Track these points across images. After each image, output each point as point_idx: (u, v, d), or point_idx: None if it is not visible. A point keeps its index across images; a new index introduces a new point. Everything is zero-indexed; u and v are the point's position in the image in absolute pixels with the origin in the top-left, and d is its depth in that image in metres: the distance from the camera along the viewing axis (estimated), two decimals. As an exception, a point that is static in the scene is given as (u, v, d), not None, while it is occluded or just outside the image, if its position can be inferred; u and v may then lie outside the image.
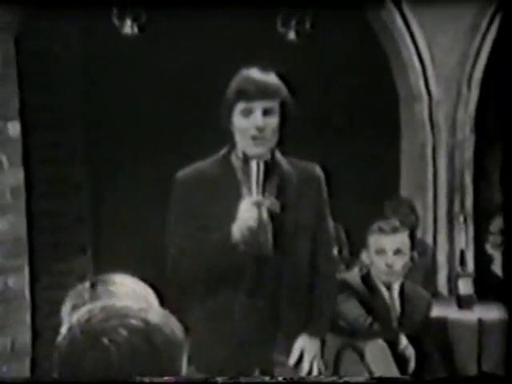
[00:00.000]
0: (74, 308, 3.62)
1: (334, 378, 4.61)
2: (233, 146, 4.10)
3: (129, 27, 7.25)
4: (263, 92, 3.96)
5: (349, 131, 9.14)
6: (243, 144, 4.03)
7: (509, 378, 4.17)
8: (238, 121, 3.98)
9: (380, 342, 5.48)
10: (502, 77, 7.58)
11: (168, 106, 9.29)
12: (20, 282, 6.78)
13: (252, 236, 3.99)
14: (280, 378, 3.90)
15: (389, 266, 5.62)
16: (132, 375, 2.46)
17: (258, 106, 3.94)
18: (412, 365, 5.17)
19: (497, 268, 6.81)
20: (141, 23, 7.24)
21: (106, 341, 2.43)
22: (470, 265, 7.20)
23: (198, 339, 4.10)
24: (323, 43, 8.62)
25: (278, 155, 4.16)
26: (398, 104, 7.72)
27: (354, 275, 5.94)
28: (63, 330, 3.06)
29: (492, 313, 6.26)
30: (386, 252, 5.72)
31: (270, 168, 4.05)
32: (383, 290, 5.73)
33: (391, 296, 5.70)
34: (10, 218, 6.84)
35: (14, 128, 6.79)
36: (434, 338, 5.70)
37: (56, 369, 2.60)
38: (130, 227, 9.56)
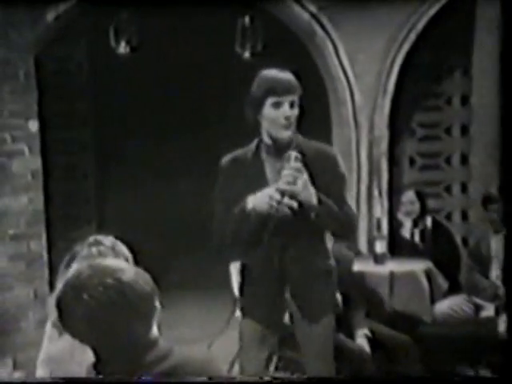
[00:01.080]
0: (68, 265, 3.62)
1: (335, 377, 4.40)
2: (260, 135, 4.07)
3: (123, 48, 7.11)
4: (289, 88, 3.94)
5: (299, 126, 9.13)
6: (273, 131, 3.99)
7: (509, 378, 3.87)
8: (269, 112, 3.94)
9: None
10: (410, 88, 7.64)
11: (159, 102, 9.37)
12: (39, 245, 6.74)
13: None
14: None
15: None
16: (110, 325, 2.43)
17: (286, 100, 3.91)
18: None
19: (405, 232, 6.87)
20: (132, 45, 7.09)
21: (86, 296, 2.40)
22: (385, 229, 7.20)
23: None
24: (273, 61, 8.54)
25: (300, 138, 4.10)
26: (329, 109, 7.66)
27: None
28: (59, 284, 3.07)
29: (400, 266, 6.22)
30: None
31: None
32: None
33: None
34: (30, 194, 6.78)
35: (33, 125, 6.73)
36: (355, 287, 5.64)
37: (55, 318, 2.60)
38: (129, 204, 9.57)
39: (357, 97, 7.40)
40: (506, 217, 5.56)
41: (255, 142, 4.16)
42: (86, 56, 7.93)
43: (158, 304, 2.52)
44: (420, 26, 7.17)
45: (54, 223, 7.17)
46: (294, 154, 3.91)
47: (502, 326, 5.25)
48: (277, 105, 3.93)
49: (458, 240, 7.31)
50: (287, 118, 3.93)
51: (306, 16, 7.14)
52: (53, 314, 3.44)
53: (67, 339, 3.35)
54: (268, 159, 4.08)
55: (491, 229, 6.15)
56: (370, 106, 7.45)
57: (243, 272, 4.39)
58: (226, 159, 4.17)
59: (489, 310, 5.78)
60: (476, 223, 7.39)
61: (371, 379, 5.00)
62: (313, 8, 7.13)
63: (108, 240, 3.62)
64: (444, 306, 6.04)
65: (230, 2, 6.92)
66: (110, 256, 3.46)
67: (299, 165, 3.87)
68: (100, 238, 3.63)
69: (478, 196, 6.71)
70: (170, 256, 9.10)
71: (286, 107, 3.93)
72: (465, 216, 7.79)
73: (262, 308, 4.24)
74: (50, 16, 6.55)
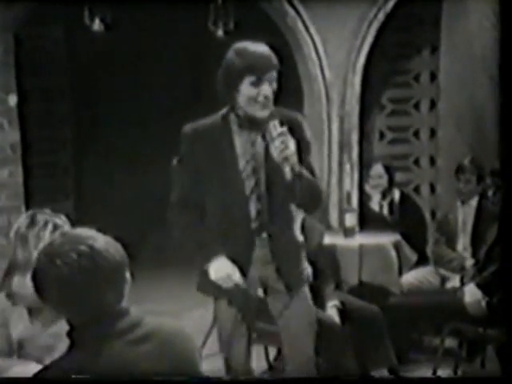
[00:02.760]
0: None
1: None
2: (232, 108, 3.85)
3: (97, 25, 7.08)
4: (269, 66, 3.74)
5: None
6: (250, 109, 3.77)
7: (509, 377, 3.82)
8: (248, 90, 3.72)
9: None
10: (380, 65, 7.68)
11: (134, 78, 9.37)
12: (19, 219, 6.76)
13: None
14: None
15: None
16: (82, 292, 2.43)
17: (266, 78, 3.71)
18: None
19: (374, 205, 6.93)
20: (107, 22, 7.09)
21: (59, 262, 2.40)
22: (354, 203, 7.26)
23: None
24: (245, 39, 8.58)
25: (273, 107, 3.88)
26: (301, 85, 7.68)
27: None
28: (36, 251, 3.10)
29: (370, 239, 6.28)
30: None
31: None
32: None
33: None
34: (10, 167, 6.81)
35: (12, 99, 6.75)
36: (325, 260, 5.62)
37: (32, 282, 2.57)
38: (105, 178, 9.61)
39: (328, 74, 7.42)
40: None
41: (221, 112, 3.96)
42: (62, 33, 8.01)
43: (128, 275, 2.53)
44: (389, 6, 7.24)
45: (33, 196, 7.12)
46: (274, 122, 3.71)
47: (467, 295, 5.31)
48: (256, 83, 3.73)
49: (427, 213, 7.39)
50: (266, 97, 3.73)
51: None
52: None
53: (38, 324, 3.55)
54: (239, 132, 3.89)
55: (459, 200, 6.21)
56: (341, 82, 7.47)
57: None
58: (188, 127, 3.95)
59: (454, 281, 5.83)
60: (443, 196, 7.45)
61: (371, 379, 5.12)
62: None
63: (43, 212, 3.71)
64: (411, 277, 6.11)
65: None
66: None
67: (284, 129, 3.69)
68: (32, 213, 3.71)
69: (446, 169, 6.81)
70: (144, 233, 9.15)
71: (265, 86, 3.73)
72: (433, 189, 7.90)
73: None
74: None
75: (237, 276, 3.79)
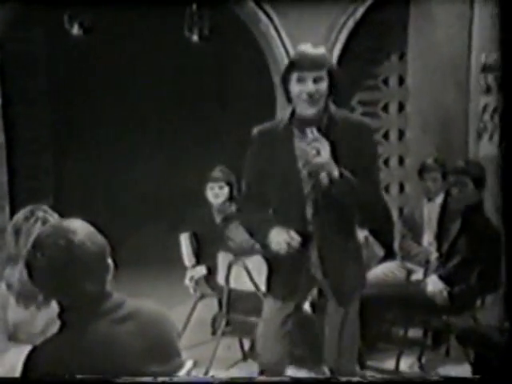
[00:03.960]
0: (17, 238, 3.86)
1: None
2: (294, 111, 3.95)
3: (76, 30, 7.21)
4: (313, 63, 3.78)
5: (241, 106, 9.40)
6: (298, 107, 3.88)
7: (509, 377, 3.77)
8: (294, 86, 3.81)
9: (259, 257, 5.39)
10: (350, 70, 7.75)
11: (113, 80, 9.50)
12: (3, 218, 6.75)
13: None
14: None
15: None
16: (64, 281, 2.61)
17: (309, 76, 3.77)
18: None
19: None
20: (85, 27, 7.23)
21: (40, 254, 2.59)
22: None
23: None
24: (220, 44, 8.45)
25: (333, 108, 3.94)
26: (274, 89, 7.59)
27: None
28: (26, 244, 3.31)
29: None
30: None
31: (323, 128, 3.84)
32: None
33: None
34: None
35: None
36: None
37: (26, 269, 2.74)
38: (84, 179, 9.75)
39: None
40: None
41: (288, 114, 4.02)
42: (43, 38, 8.12)
43: (110, 261, 2.70)
44: (358, 13, 7.35)
45: (16, 196, 7.10)
46: (312, 128, 3.78)
47: (429, 286, 5.44)
48: (300, 80, 3.80)
49: (395, 210, 7.56)
50: (310, 95, 3.79)
51: (250, 4, 7.26)
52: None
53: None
54: (298, 134, 3.92)
55: (425, 198, 6.34)
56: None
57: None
58: (256, 130, 4.05)
59: (419, 274, 5.96)
60: (411, 194, 7.66)
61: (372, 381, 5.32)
62: None
63: (41, 209, 3.93)
64: (378, 271, 6.22)
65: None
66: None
67: (317, 134, 3.76)
68: (31, 209, 3.92)
69: (414, 168, 6.89)
70: (123, 233, 9.26)
71: (309, 82, 3.78)
72: (402, 188, 8.10)
73: (286, 287, 4.13)
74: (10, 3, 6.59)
75: (296, 238, 3.85)
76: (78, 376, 2.50)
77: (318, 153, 3.73)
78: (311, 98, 3.78)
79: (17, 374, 2.74)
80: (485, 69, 7.04)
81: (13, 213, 6.60)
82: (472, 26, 7.10)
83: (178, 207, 6.89)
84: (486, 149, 7.08)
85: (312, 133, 3.76)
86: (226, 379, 2.90)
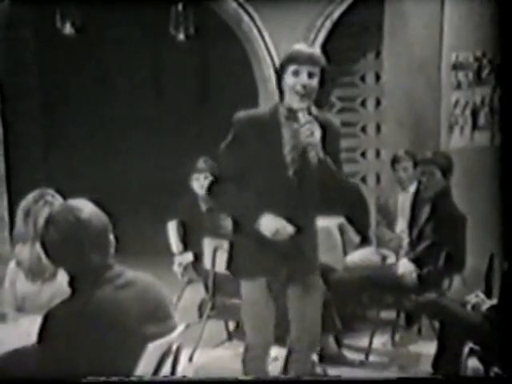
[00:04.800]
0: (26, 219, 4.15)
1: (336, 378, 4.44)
2: (281, 101, 4.07)
3: (68, 29, 7.35)
4: (309, 59, 3.95)
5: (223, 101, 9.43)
6: (291, 100, 3.98)
7: (509, 377, 3.80)
8: (289, 79, 3.95)
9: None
10: (328, 68, 8.24)
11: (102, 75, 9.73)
12: (1, 208, 7.01)
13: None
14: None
15: None
16: (72, 252, 2.93)
17: (304, 69, 3.92)
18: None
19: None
20: (77, 26, 7.37)
21: (51, 230, 2.95)
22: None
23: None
24: (205, 43, 8.79)
25: (313, 108, 4.06)
26: (256, 84, 8.08)
27: None
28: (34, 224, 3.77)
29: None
30: None
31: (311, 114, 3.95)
32: None
33: None
34: None
35: None
36: None
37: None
38: (71, 170, 9.89)
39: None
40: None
41: (272, 105, 4.17)
42: (35, 37, 8.34)
43: (111, 237, 3.05)
44: (335, 15, 7.71)
45: (13, 184, 7.29)
46: (304, 111, 3.92)
47: (400, 268, 5.70)
48: (296, 73, 3.93)
49: (372, 200, 7.75)
50: (304, 86, 3.92)
51: (233, 5, 7.56)
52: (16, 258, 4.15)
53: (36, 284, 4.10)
54: (286, 124, 4.04)
55: (399, 187, 6.59)
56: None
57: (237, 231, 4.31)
58: (239, 115, 4.12)
59: (392, 259, 6.20)
60: (387, 184, 7.86)
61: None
62: None
63: (49, 193, 4.22)
64: (354, 256, 6.50)
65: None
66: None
67: (309, 117, 3.91)
68: (39, 192, 4.22)
69: (389, 160, 7.00)
70: (114, 218, 9.40)
71: (304, 75, 3.92)
72: (378, 179, 8.45)
73: (253, 267, 4.23)
74: (5, 2, 6.91)
75: (288, 228, 4.01)
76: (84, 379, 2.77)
77: (312, 134, 3.88)
78: (304, 90, 3.93)
79: (32, 339, 3.05)
80: (455, 66, 7.21)
81: (11, 199, 7.01)
82: (443, 27, 7.27)
83: (166, 197, 7.05)
84: (457, 141, 7.24)
85: (304, 116, 3.90)
86: (226, 379, 3.21)
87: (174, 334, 3.10)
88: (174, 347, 3.13)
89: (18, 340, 3.44)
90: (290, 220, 4.06)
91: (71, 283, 3.01)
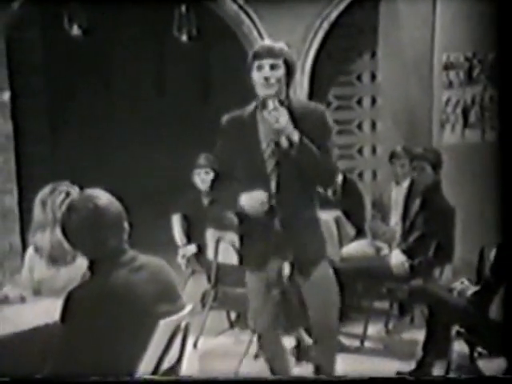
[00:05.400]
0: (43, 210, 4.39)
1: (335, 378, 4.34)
2: (257, 97, 4.18)
3: (75, 30, 7.57)
4: (269, 52, 4.09)
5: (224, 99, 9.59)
6: (258, 91, 4.12)
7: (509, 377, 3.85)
8: (254, 74, 4.09)
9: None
10: (326, 67, 8.29)
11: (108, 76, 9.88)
12: (12, 201, 7.17)
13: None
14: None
15: None
16: (91, 237, 3.16)
17: (266, 63, 4.05)
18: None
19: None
20: (84, 28, 7.57)
21: (72, 216, 3.20)
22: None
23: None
24: (206, 43, 8.97)
25: (291, 95, 4.22)
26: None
27: None
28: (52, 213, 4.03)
29: None
30: None
31: (284, 103, 4.08)
32: None
33: None
34: (4, 155, 7.19)
35: (5, 95, 7.17)
36: None
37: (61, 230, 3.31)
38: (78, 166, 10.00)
39: None
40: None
41: (254, 103, 4.26)
42: (43, 38, 8.55)
43: (125, 225, 3.29)
44: (332, 16, 7.87)
45: (24, 180, 7.51)
46: (272, 100, 4.04)
47: (392, 259, 5.87)
48: (259, 67, 4.08)
49: (368, 195, 7.77)
50: (266, 79, 4.04)
51: (234, 7, 7.75)
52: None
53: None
54: (262, 119, 4.15)
55: (394, 182, 6.73)
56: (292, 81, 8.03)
57: (241, 226, 4.42)
58: (224, 119, 4.27)
59: (386, 250, 6.36)
60: (382, 179, 8.07)
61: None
62: (240, 1, 7.75)
63: (64, 184, 4.47)
64: (350, 248, 6.64)
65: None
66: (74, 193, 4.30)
67: (277, 104, 4.02)
68: (55, 184, 4.48)
69: (385, 156, 7.20)
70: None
71: (266, 69, 4.06)
72: (375, 175, 8.60)
73: (257, 258, 4.31)
74: (16, 4, 7.08)
75: (265, 195, 4.09)
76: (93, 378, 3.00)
77: (277, 121, 4.00)
78: (267, 82, 4.05)
79: (51, 317, 3.38)
80: (447, 66, 7.40)
81: (21, 194, 7.25)
82: (434, 28, 7.47)
83: (170, 192, 7.21)
84: (449, 138, 7.45)
85: (273, 103, 4.03)
86: (225, 379, 3.34)
87: (183, 313, 3.37)
88: (183, 324, 3.39)
89: (38, 319, 3.66)
90: (283, 213, 4.16)
91: (90, 267, 3.27)
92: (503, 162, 6.34)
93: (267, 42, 4.43)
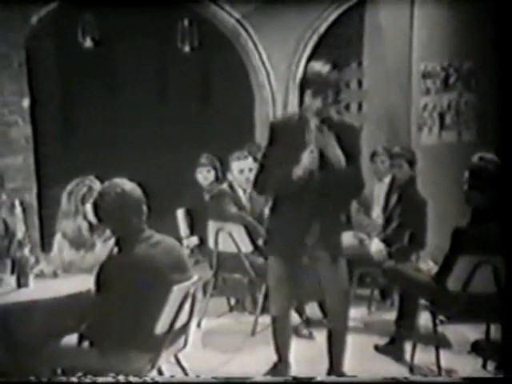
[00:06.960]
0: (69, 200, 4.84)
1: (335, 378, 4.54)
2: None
3: (88, 43, 7.83)
4: (322, 83, 4.25)
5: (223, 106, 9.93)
6: (307, 115, 4.27)
7: (509, 378, 3.93)
8: (308, 99, 4.26)
9: (240, 226, 6.13)
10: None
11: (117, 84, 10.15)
12: (31, 197, 7.45)
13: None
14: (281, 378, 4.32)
15: (247, 179, 6.14)
16: (118, 216, 3.69)
17: (320, 92, 4.23)
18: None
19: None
20: (96, 40, 7.84)
21: (106, 198, 3.77)
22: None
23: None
24: (207, 54, 9.32)
25: (332, 113, 4.38)
26: (252, 91, 8.59)
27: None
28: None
29: None
30: (244, 171, 6.21)
31: (326, 122, 4.25)
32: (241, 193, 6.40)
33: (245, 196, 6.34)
34: (24, 155, 7.49)
35: (25, 101, 7.49)
36: None
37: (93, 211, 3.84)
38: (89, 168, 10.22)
39: (273, 82, 8.38)
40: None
41: (299, 112, 4.45)
42: (58, 50, 8.90)
43: (145, 208, 3.85)
44: (322, 29, 8.24)
45: (42, 178, 7.81)
46: (314, 120, 4.23)
47: (372, 247, 6.27)
48: (312, 95, 4.28)
49: None
50: (317, 108, 4.25)
51: (232, 21, 8.13)
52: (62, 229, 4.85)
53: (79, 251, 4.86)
54: (308, 125, 4.28)
55: (376, 178, 7.12)
56: (284, 89, 8.37)
57: (272, 211, 4.57)
58: (276, 119, 4.53)
59: (367, 241, 6.56)
60: (366, 177, 8.39)
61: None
62: (237, 15, 8.12)
63: (88, 178, 4.98)
64: None
65: (172, 7, 7.79)
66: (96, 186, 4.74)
67: (324, 127, 4.20)
68: (81, 178, 5.01)
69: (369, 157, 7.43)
70: None
71: (319, 100, 4.25)
72: None
73: (287, 246, 4.48)
74: (34, 19, 7.52)
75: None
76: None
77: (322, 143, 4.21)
78: (316, 109, 4.28)
79: (86, 287, 3.96)
80: (424, 75, 7.76)
81: (40, 192, 7.51)
82: (412, 40, 7.83)
83: (175, 189, 7.52)
84: (426, 139, 7.79)
85: (318, 124, 4.22)
86: (227, 379, 3.57)
87: (192, 281, 3.98)
88: (192, 290, 4.00)
89: (71, 289, 4.22)
90: (311, 215, 4.35)
91: (117, 243, 3.86)
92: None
93: (318, 65, 4.39)
